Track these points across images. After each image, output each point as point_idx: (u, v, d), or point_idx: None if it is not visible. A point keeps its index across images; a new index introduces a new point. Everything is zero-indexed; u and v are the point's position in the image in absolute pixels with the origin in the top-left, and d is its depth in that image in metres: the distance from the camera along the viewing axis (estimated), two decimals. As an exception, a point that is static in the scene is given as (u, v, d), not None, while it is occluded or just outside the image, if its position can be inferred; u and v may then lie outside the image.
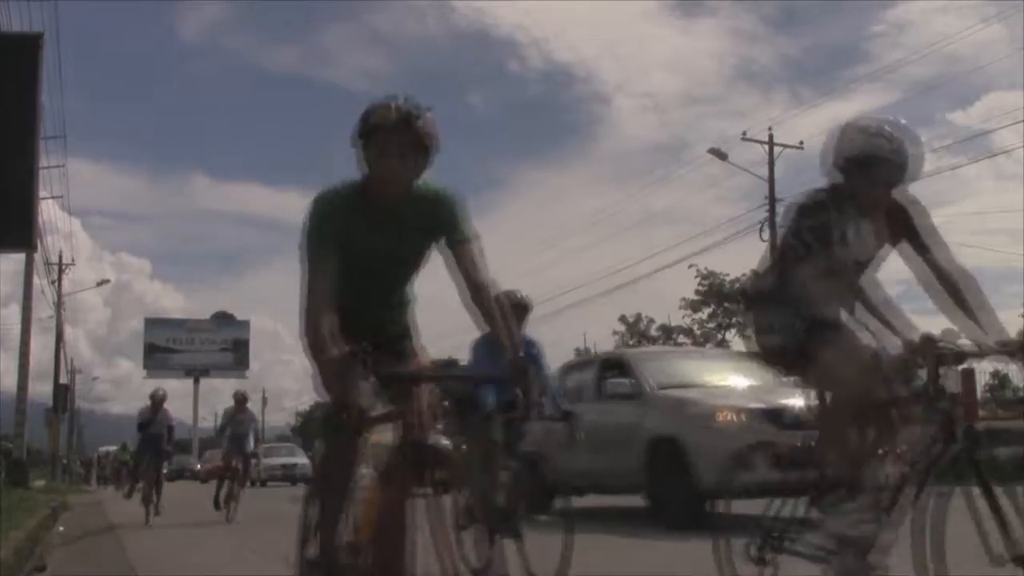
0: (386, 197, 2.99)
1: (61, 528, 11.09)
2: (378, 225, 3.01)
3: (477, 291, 2.94)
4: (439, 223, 3.03)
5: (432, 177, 3.09)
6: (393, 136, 2.86)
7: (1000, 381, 27.83)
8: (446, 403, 4.59)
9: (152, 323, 61.29)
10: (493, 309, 2.94)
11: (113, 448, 47.27)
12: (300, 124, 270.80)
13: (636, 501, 9.62)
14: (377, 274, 3.17)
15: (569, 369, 10.83)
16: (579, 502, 10.08)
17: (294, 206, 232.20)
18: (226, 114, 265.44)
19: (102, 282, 47.30)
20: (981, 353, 3.11)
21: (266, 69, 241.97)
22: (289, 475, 28.62)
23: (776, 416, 7.29)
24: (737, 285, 38.15)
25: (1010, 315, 27.49)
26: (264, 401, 76.00)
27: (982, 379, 24.17)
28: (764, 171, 25.10)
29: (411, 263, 3.23)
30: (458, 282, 3.00)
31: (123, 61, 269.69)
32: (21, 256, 20.64)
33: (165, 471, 14.06)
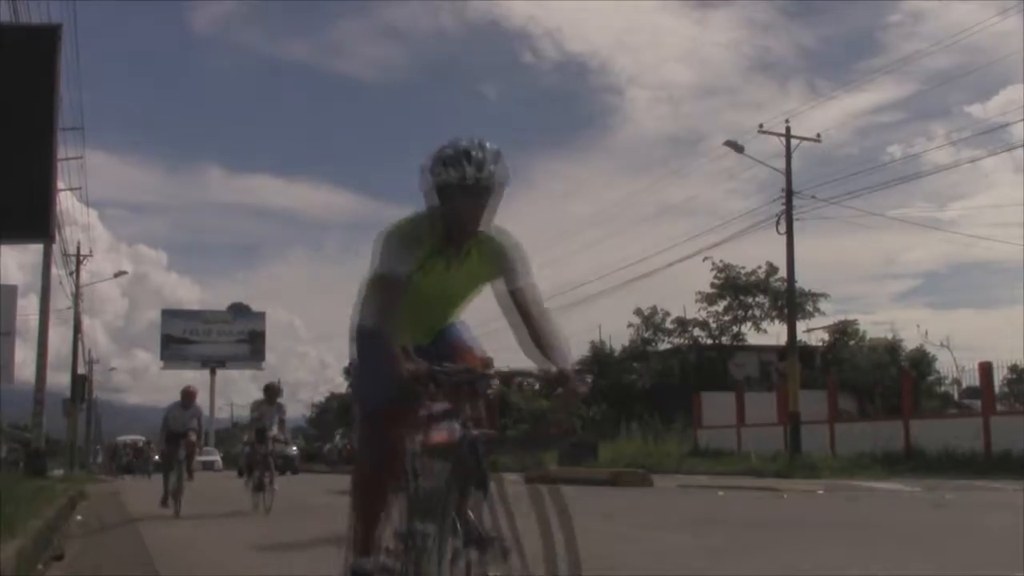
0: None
1: (79, 517, 11.17)
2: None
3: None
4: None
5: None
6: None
7: (1018, 376, 27.62)
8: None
9: (169, 314, 61.60)
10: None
11: (131, 438, 47.25)
12: (314, 116, 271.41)
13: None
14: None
15: None
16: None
17: (308, 198, 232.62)
18: (240, 106, 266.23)
19: (120, 273, 47.21)
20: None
21: (280, 61, 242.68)
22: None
23: None
24: (753, 278, 38.27)
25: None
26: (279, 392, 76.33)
27: (1000, 374, 24.08)
28: (781, 163, 24.95)
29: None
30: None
31: (139, 53, 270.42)
32: (39, 247, 20.83)
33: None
